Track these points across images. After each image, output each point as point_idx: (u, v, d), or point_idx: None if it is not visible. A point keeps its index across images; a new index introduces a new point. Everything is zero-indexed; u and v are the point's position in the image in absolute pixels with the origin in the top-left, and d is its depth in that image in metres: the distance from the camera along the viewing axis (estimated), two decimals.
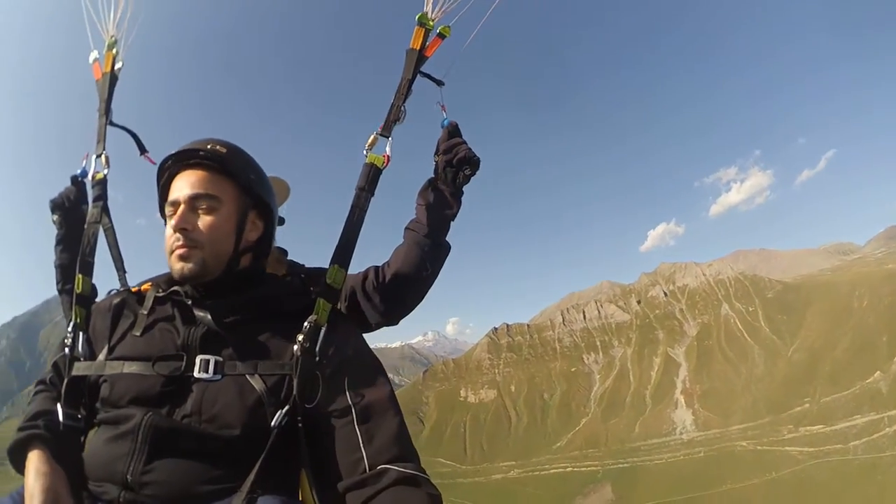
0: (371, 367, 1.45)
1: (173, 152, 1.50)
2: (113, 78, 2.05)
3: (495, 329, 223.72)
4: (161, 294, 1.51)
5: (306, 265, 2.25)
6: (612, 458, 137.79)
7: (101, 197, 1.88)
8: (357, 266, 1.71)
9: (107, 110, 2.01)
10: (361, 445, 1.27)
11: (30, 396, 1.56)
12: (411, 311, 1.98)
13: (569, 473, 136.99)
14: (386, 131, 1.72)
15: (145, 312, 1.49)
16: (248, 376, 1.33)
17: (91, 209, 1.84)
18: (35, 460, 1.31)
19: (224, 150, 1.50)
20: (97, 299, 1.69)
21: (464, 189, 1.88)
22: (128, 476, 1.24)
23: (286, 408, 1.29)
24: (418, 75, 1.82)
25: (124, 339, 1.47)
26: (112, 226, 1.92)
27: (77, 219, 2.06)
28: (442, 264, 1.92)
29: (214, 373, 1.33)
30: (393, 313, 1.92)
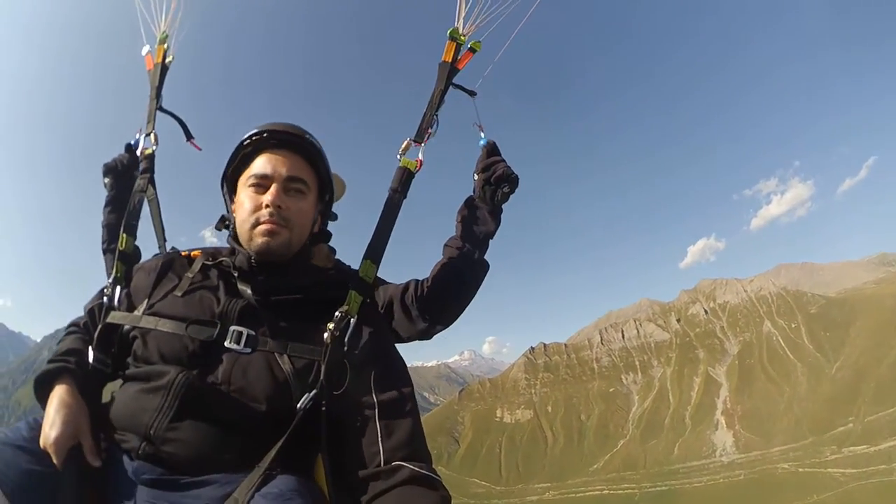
0: (396, 365, 1.49)
1: (274, 129, 1.56)
2: (164, 68, 2.28)
3: (532, 349, 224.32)
4: (210, 263, 1.58)
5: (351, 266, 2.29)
6: (650, 481, 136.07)
7: (149, 170, 2.05)
8: (398, 277, 1.89)
9: (157, 95, 2.22)
10: (380, 439, 1.29)
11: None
12: (446, 327, 2.00)
13: (605, 496, 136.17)
14: (419, 138, 1.82)
15: (191, 276, 1.55)
16: (277, 355, 1.37)
17: (139, 180, 2.01)
18: (61, 392, 1.35)
19: (317, 143, 1.62)
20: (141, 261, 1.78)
21: (503, 207, 1.93)
22: (151, 430, 1.26)
23: (313, 392, 1.33)
24: (450, 87, 1.91)
25: (165, 297, 1.52)
26: (157, 197, 2.07)
27: (126, 183, 2.17)
28: (481, 282, 1.97)
29: (245, 345, 1.37)
30: (428, 328, 1.96)
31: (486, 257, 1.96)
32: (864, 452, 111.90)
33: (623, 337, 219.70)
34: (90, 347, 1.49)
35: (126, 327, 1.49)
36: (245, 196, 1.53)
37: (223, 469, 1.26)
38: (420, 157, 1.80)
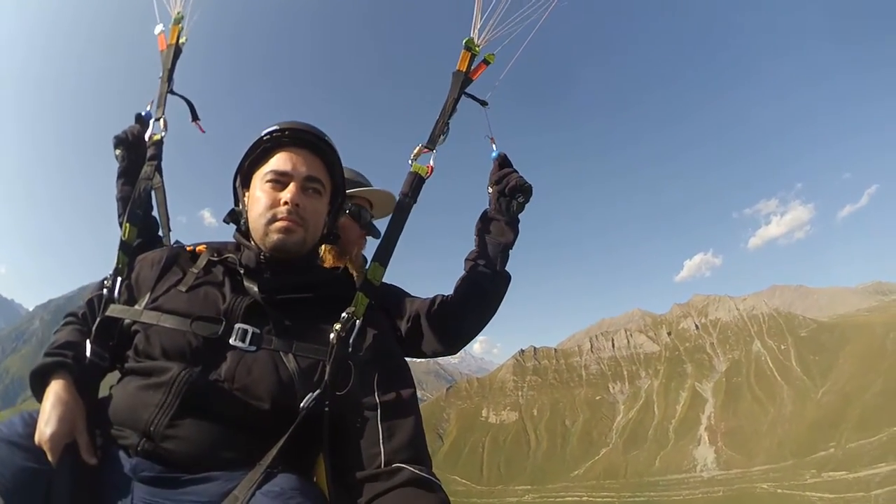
0: (400, 367, 1.50)
1: (295, 128, 1.56)
2: (177, 50, 2.21)
3: (522, 351, 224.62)
4: (215, 259, 1.56)
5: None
6: (629, 491, 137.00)
7: (156, 157, 1.98)
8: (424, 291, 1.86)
9: (169, 78, 2.16)
10: (381, 441, 1.30)
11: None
12: (470, 341, 2.01)
13: (584, 503, 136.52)
14: (431, 145, 1.83)
15: (195, 271, 1.53)
16: (282, 353, 1.37)
17: (145, 167, 1.93)
18: (57, 387, 1.32)
19: (334, 146, 1.63)
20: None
21: (519, 217, 1.94)
22: (151, 426, 1.25)
23: (317, 392, 1.33)
24: (463, 96, 1.92)
25: (168, 292, 1.50)
26: (163, 185, 2.04)
27: (139, 154, 2.14)
28: (503, 294, 1.96)
29: (250, 343, 1.37)
30: (452, 343, 1.96)
31: (507, 269, 1.96)
32: (844, 478, 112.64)
33: (613, 346, 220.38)
34: (88, 341, 1.47)
35: (127, 321, 1.47)
36: (261, 191, 1.52)
37: (224, 467, 1.25)
38: (431, 163, 1.82)
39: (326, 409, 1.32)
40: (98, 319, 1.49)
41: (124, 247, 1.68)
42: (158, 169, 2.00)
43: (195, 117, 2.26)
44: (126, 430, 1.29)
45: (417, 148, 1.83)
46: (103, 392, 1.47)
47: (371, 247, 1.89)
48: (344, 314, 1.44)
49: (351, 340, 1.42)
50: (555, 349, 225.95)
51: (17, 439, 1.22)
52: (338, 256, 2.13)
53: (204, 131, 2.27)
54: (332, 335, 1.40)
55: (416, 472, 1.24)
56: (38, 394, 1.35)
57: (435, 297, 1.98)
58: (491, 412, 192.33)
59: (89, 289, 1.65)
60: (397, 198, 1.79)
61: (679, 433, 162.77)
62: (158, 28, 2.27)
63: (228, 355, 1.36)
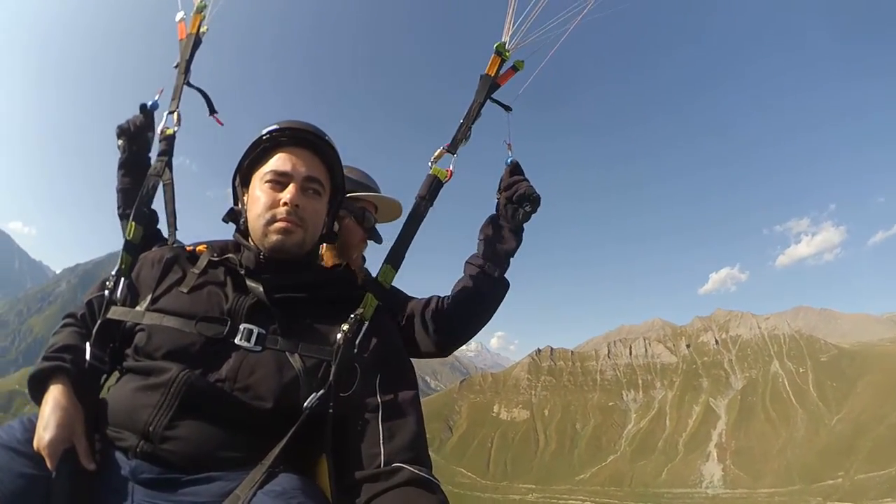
0: (403, 369, 1.49)
1: (295, 127, 1.54)
2: (197, 40, 2.14)
3: (539, 350, 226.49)
4: (216, 259, 1.54)
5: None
6: (632, 500, 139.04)
7: (167, 152, 1.93)
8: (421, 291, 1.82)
9: (186, 69, 2.09)
10: (381, 441, 1.30)
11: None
12: (463, 344, 2.01)
13: None
14: (452, 148, 1.80)
15: (196, 272, 1.51)
16: (287, 354, 1.36)
17: (155, 162, 1.90)
18: (55, 392, 1.31)
19: (335, 145, 1.61)
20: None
21: (524, 226, 1.91)
22: (150, 427, 1.24)
23: (321, 392, 1.32)
24: (488, 101, 1.89)
25: (169, 293, 1.49)
26: (172, 182, 1.95)
27: (141, 146, 2.10)
28: (500, 300, 1.95)
29: (256, 343, 1.36)
30: (446, 345, 1.95)
31: (506, 276, 1.94)
32: None
33: (630, 353, 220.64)
34: (87, 343, 1.45)
35: (129, 323, 1.46)
36: (261, 191, 1.51)
37: (224, 467, 1.24)
38: (451, 167, 1.78)
39: (331, 411, 1.32)
40: (99, 322, 1.48)
41: (128, 247, 1.66)
42: (169, 165, 1.94)
43: (212, 111, 2.19)
44: (124, 432, 1.28)
45: (439, 150, 1.79)
46: (102, 393, 1.47)
47: (377, 249, 1.89)
48: (352, 316, 1.43)
49: (357, 342, 1.42)
50: (572, 351, 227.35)
51: (16, 445, 1.21)
52: (337, 257, 2.11)
53: (222, 123, 2.22)
54: (338, 336, 1.40)
55: (416, 472, 1.24)
56: (37, 398, 1.34)
57: (431, 298, 1.98)
58: (503, 408, 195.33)
59: (90, 291, 1.62)
60: (414, 201, 1.73)
61: (689, 447, 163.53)
62: (179, 15, 2.20)
63: (232, 355, 1.35)
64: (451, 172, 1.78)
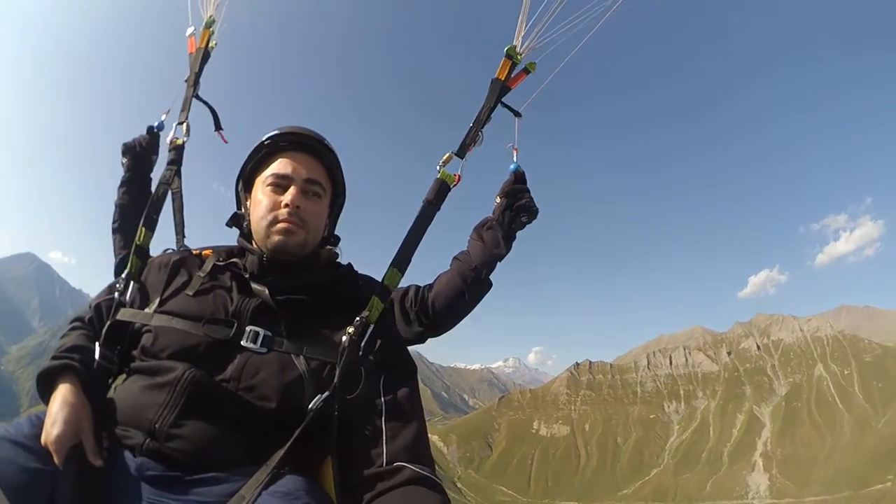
0: (406, 371, 1.50)
1: (295, 132, 1.60)
2: (206, 54, 2.19)
3: (577, 364, 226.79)
4: (221, 263, 1.57)
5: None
6: None
7: (176, 161, 1.98)
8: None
9: (195, 82, 2.13)
10: (384, 441, 1.30)
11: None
12: (438, 336, 2.06)
13: None
14: (461, 153, 1.79)
15: (202, 275, 1.54)
16: (293, 355, 1.38)
17: (165, 171, 1.94)
18: (64, 390, 1.34)
19: (334, 149, 1.66)
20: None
21: (517, 235, 1.97)
22: (156, 425, 1.26)
23: (325, 394, 1.33)
24: (498, 105, 1.89)
25: (176, 296, 1.52)
26: (181, 190, 2.00)
27: (143, 166, 2.16)
28: (480, 299, 2.02)
29: (261, 345, 1.38)
30: (422, 334, 2.00)
31: (490, 277, 1.99)
32: None
33: (671, 364, 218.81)
34: (97, 344, 1.48)
35: (137, 324, 1.48)
36: (263, 195, 1.55)
37: (228, 467, 1.26)
38: (459, 172, 1.77)
39: (336, 413, 1.33)
40: (108, 323, 1.51)
41: (138, 251, 1.70)
42: (178, 174, 1.99)
43: (218, 126, 2.22)
44: (131, 430, 1.30)
45: (447, 154, 1.78)
46: (109, 393, 1.49)
47: (383, 252, 1.86)
48: (357, 318, 1.44)
49: (362, 344, 1.43)
50: (610, 364, 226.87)
51: (24, 440, 1.23)
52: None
53: (227, 141, 2.25)
54: (343, 338, 1.40)
55: (418, 471, 1.24)
56: (45, 396, 1.37)
57: (409, 288, 2.02)
58: (542, 425, 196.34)
59: (98, 295, 1.66)
60: (421, 204, 1.74)
61: (733, 457, 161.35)
62: (189, 30, 2.26)
63: (237, 357, 1.37)
64: (460, 177, 1.77)
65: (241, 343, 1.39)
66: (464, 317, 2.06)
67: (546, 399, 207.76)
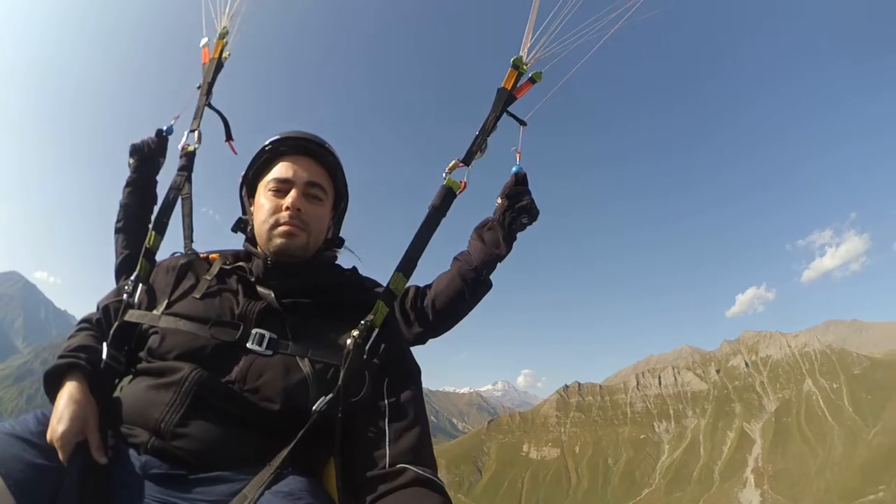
0: (410, 374, 1.50)
1: (296, 136, 1.62)
2: (219, 64, 2.24)
3: (566, 386, 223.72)
4: (227, 266, 1.59)
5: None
6: None
7: (187, 168, 2.01)
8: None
9: (208, 91, 2.17)
10: (387, 443, 1.31)
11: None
12: (438, 336, 2.08)
13: None
14: (467, 160, 1.81)
15: (209, 278, 1.56)
16: (297, 358, 1.38)
17: (175, 177, 1.98)
18: (70, 388, 1.35)
19: (336, 153, 1.68)
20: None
21: (517, 236, 2.00)
22: (161, 424, 1.27)
23: (330, 396, 1.34)
24: (504, 114, 1.90)
25: (184, 298, 1.53)
26: (191, 196, 2.02)
27: (150, 167, 2.20)
28: (480, 299, 2.05)
29: (267, 348, 1.39)
30: (422, 335, 2.02)
31: (490, 277, 2.01)
32: None
33: (660, 383, 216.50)
34: (104, 344, 1.50)
35: (144, 325, 1.50)
36: (265, 199, 1.57)
37: (233, 466, 1.26)
38: (465, 179, 1.78)
39: (340, 414, 1.33)
40: (116, 323, 1.52)
41: (147, 254, 1.72)
42: (188, 179, 2.01)
43: (229, 136, 2.24)
44: (136, 429, 1.31)
45: (453, 162, 1.80)
46: (115, 393, 1.49)
47: (389, 257, 1.85)
48: (362, 322, 1.44)
49: (367, 347, 1.44)
50: (600, 385, 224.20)
51: (29, 436, 1.23)
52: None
53: (237, 153, 2.25)
54: (348, 341, 1.41)
55: (421, 472, 1.24)
56: (52, 395, 1.38)
57: (409, 288, 2.04)
58: (532, 448, 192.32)
59: (105, 297, 1.68)
60: (427, 210, 1.74)
61: (724, 475, 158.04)
62: (203, 41, 2.30)
63: (243, 358, 1.38)
64: (465, 184, 1.78)
65: (247, 345, 1.39)
66: (463, 317, 2.07)
67: (536, 422, 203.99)
